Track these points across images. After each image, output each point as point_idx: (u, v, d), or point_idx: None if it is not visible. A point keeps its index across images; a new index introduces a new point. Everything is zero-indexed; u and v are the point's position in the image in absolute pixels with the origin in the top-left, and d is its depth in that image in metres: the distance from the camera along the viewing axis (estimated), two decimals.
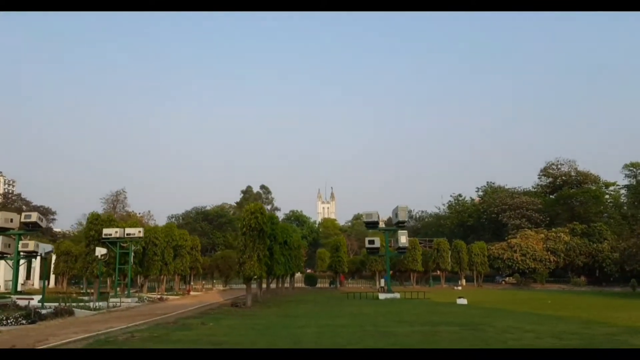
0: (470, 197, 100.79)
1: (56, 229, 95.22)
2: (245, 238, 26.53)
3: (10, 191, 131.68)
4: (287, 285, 45.82)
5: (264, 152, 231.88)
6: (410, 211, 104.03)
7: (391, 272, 58.24)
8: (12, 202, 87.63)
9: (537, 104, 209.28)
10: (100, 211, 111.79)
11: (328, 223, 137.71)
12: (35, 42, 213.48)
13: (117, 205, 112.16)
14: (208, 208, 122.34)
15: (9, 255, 33.00)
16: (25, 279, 57.76)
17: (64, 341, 14.03)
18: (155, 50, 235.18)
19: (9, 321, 18.50)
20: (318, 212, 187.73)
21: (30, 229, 32.44)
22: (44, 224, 33.02)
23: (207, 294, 41.02)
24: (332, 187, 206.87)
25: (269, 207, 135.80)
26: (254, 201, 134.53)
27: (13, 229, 31.87)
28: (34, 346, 13.18)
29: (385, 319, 20.25)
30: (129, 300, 29.43)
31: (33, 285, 57.00)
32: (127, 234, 31.15)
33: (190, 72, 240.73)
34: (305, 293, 43.70)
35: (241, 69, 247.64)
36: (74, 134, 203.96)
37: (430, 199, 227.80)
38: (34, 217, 32.31)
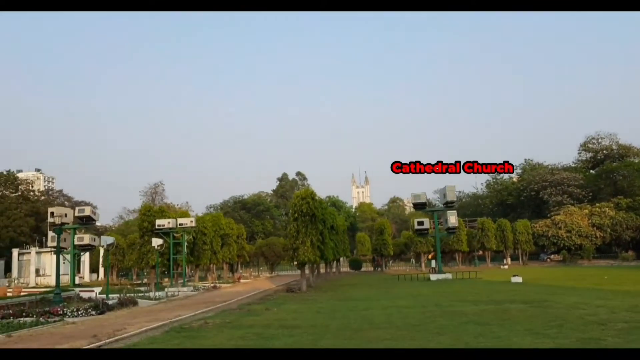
0: (509, 175, 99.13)
1: (97, 224, 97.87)
2: (297, 224, 26.71)
3: (50, 188, 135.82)
4: (334, 269, 46.05)
5: (297, 139, 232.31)
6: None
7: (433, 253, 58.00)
8: (54, 198, 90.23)
9: (572, 78, 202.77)
10: (139, 204, 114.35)
11: (365, 207, 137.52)
12: (74, 39, 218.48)
13: (155, 197, 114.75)
14: (245, 197, 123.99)
15: (65, 250, 34.24)
16: (78, 272, 59.94)
17: (142, 329, 14.45)
18: (193, 43, 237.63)
19: (79, 312, 19.19)
20: (353, 196, 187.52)
21: (85, 223, 33.47)
22: (96, 217, 34.01)
23: (256, 281, 41.64)
24: (365, 172, 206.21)
25: None
26: (290, 188, 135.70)
27: (68, 223, 33.01)
28: (114, 335, 13.61)
29: (446, 298, 20.15)
30: (185, 289, 30.13)
31: (83, 278, 58.86)
32: (179, 224, 31.78)
33: (222, 64, 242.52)
34: (353, 277, 43.87)
35: (273, 58, 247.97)
36: (108, 128, 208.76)
37: (463, 179, 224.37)
38: (88, 211, 33.34)
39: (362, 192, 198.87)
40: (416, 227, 33.33)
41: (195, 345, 11.40)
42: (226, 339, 12.34)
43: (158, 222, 31.55)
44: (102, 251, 57.04)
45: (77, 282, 40.46)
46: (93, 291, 27.50)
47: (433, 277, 31.56)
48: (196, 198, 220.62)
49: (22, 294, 24.88)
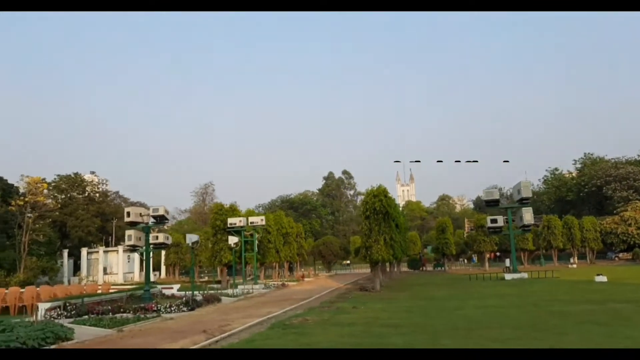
0: (568, 170, 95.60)
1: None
2: (370, 222, 26.55)
3: (105, 190, 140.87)
4: (394, 269, 45.68)
5: (341, 139, 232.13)
6: (500, 189, 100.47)
7: (498, 252, 56.69)
8: (112, 199, 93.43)
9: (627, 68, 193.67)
10: (190, 204, 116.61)
11: (413, 205, 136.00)
12: (114, 42, 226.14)
13: (206, 197, 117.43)
14: (292, 196, 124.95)
15: (140, 248, 35.41)
16: (140, 270, 62.04)
17: (245, 325, 14.66)
18: (233, 44, 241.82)
19: (172, 308, 19.79)
20: (398, 195, 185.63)
21: (159, 222, 34.48)
22: (169, 216, 34.93)
23: (318, 280, 41.82)
24: (410, 169, 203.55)
25: (351, 192, 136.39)
26: (336, 187, 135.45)
27: (142, 222, 34.09)
28: (222, 330, 13.90)
29: (538, 298, 19.55)
30: (257, 286, 30.57)
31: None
32: (250, 223, 32.31)
33: (268, 64, 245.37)
34: (417, 277, 43.38)
35: (316, 55, 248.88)
36: (155, 130, 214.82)
37: (514, 176, 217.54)
38: (162, 210, 34.23)
39: (407, 191, 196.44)
40: (489, 224, 32.54)
41: (310, 342, 11.46)
42: (336, 335, 12.36)
43: (230, 220, 32.14)
44: (163, 251, 58.80)
45: (151, 279, 41.71)
46: (172, 288, 28.32)
47: (508, 276, 30.73)
48: (243, 198, 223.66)
49: (110, 290, 25.92)
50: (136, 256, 59.48)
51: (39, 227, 48.42)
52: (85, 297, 20.61)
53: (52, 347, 12.18)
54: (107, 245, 66.40)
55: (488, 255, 53.24)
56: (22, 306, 22.18)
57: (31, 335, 12.09)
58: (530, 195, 30.55)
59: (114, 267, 60.72)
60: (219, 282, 36.27)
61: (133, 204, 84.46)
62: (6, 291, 24.03)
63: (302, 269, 53.92)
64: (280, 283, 33.47)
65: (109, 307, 19.36)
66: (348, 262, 68.01)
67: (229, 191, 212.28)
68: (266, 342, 11.83)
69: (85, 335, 13.87)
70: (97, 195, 72.61)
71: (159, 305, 19.76)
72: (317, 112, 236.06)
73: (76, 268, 62.18)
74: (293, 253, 45.64)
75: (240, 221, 32.01)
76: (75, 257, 62.58)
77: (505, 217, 32.11)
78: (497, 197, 30.91)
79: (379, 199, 26.39)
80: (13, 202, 46.37)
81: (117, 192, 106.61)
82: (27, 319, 17.25)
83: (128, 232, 31.54)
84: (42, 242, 49.29)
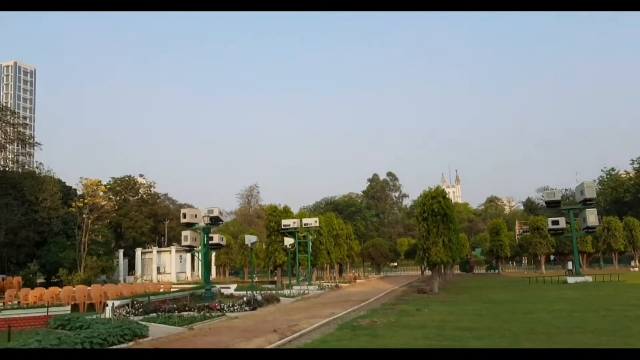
0: (625, 171, 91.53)
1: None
2: (428, 223, 26.14)
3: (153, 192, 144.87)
4: (447, 271, 44.78)
5: (385, 140, 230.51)
6: (552, 190, 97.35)
7: (553, 255, 54.78)
8: (161, 201, 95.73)
9: None
10: (236, 206, 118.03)
11: (460, 207, 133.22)
12: (158, 46, 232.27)
13: (251, 199, 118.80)
14: (337, 198, 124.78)
15: (195, 248, 36.18)
16: (191, 270, 63.43)
17: (314, 326, 14.63)
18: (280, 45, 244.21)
19: (234, 308, 20.03)
20: None
21: (213, 223, 35.11)
22: (223, 217, 35.53)
23: (370, 282, 41.53)
24: (456, 170, 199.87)
25: (396, 193, 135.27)
26: (381, 189, 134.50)
27: (197, 223, 34.80)
28: (292, 330, 13.91)
29: (610, 303, 18.71)
30: (312, 287, 30.62)
31: (198, 276, 61.92)
32: (304, 224, 32.43)
33: (304, 64, 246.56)
34: (471, 279, 42.47)
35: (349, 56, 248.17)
36: (198, 134, 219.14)
37: (561, 177, 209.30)
38: (216, 212, 34.91)
39: (453, 192, 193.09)
40: (550, 226, 31.42)
41: (384, 345, 11.31)
42: (409, 338, 12.15)
43: (284, 222, 32.35)
44: (213, 252, 59.81)
45: (209, 280, 42.51)
46: (229, 288, 28.76)
47: (570, 279, 29.60)
48: (287, 200, 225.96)
49: (172, 289, 26.54)
50: (188, 256, 60.85)
51: (97, 227, 50.17)
52: (151, 296, 21.14)
53: (130, 344, 12.51)
54: (159, 245, 68.19)
55: (544, 259, 51.55)
56: (90, 304, 22.93)
57: (111, 332, 12.48)
58: (594, 196, 29.31)
59: (167, 267, 62.24)
60: (272, 282, 36.55)
61: (181, 206, 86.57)
62: (74, 289, 24.95)
63: (353, 271, 53.69)
64: (334, 284, 33.41)
65: (174, 306, 19.78)
66: (395, 264, 67.39)
67: (273, 194, 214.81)
68: (340, 343, 11.76)
69: (158, 332, 14.18)
70: (149, 197, 74.66)
71: (222, 304, 20.06)
72: (362, 114, 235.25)
73: (130, 267, 64.14)
74: (343, 255, 45.49)
75: (294, 222, 32.16)
76: (130, 256, 64.58)
77: (566, 219, 30.94)
78: (558, 198, 29.79)
79: (437, 200, 25.96)
80: (73, 204, 48.21)
81: (165, 195, 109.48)
82: (94, 316, 17.79)
83: (184, 233, 32.21)
84: (100, 243, 51.05)
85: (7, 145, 50.28)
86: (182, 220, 31.91)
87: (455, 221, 32.30)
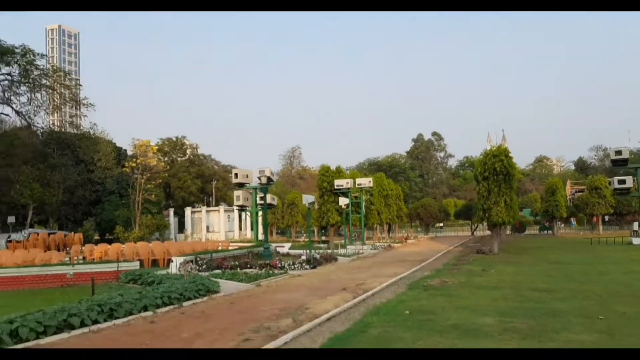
0: None
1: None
2: (489, 183, 25.30)
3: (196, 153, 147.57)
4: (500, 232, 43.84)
5: (429, 100, 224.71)
6: (605, 149, 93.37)
7: (608, 215, 52.72)
8: (207, 162, 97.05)
9: None
10: (279, 167, 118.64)
11: None
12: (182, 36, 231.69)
13: (293, 160, 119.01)
14: (380, 159, 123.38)
15: (247, 208, 36.59)
16: (239, 229, 64.64)
17: (383, 285, 14.40)
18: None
19: (295, 266, 20.08)
20: None
21: (266, 184, 35.26)
22: (275, 178, 35.54)
23: (421, 242, 41.12)
24: (502, 130, 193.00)
25: (441, 154, 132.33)
26: (426, 149, 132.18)
27: (248, 183, 35.03)
28: (363, 289, 13.70)
29: None
30: (365, 247, 30.51)
31: (246, 235, 63.12)
32: (357, 185, 32.09)
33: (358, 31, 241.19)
34: (525, 239, 41.56)
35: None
36: (243, 94, 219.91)
37: (614, 136, 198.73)
38: (267, 172, 34.97)
39: None
40: (616, 185, 29.96)
41: (465, 305, 10.95)
42: (489, 299, 11.76)
43: (337, 182, 32.08)
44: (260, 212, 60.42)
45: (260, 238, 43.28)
46: (284, 247, 28.98)
47: (635, 241, 28.41)
48: (329, 161, 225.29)
49: (230, 247, 26.96)
50: (235, 215, 61.89)
51: (150, 187, 51.41)
52: (213, 253, 21.46)
53: (204, 299, 12.61)
54: (207, 205, 69.60)
55: (596, 219, 49.69)
56: (153, 259, 23.54)
57: (187, 287, 12.62)
58: None
59: (215, 226, 63.65)
60: (325, 242, 36.68)
61: (225, 168, 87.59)
62: (136, 245, 25.66)
63: (403, 231, 53.37)
64: (387, 244, 33.20)
65: (237, 263, 20.00)
66: (442, 224, 66.67)
67: (316, 154, 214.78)
68: (418, 303, 11.47)
69: (228, 289, 14.27)
70: (196, 158, 75.84)
71: (282, 262, 20.14)
72: (404, 74, 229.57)
73: (180, 226, 65.93)
74: (393, 215, 45.10)
75: (347, 183, 31.83)
76: (179, 216, 66.28)
77: (634, 178, 29.41)
78: (626, 156, 28.16)
79: (500, 159, 24.99)
80: (126, 164, 49.43)
81: (209, 155, 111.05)
82: (161, 272, 18.15)
83: (237, 193, 32.45)
84: (153, 202, 52.44)
85: (62, 107, 51.57)
86: (234, 181, 31.97)
87: (515, 181, 31.20)
